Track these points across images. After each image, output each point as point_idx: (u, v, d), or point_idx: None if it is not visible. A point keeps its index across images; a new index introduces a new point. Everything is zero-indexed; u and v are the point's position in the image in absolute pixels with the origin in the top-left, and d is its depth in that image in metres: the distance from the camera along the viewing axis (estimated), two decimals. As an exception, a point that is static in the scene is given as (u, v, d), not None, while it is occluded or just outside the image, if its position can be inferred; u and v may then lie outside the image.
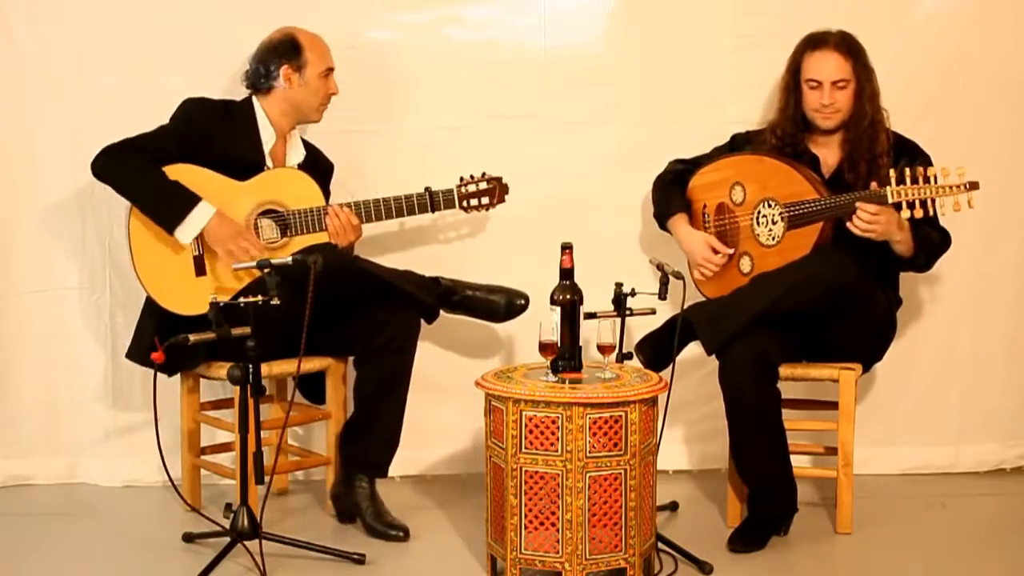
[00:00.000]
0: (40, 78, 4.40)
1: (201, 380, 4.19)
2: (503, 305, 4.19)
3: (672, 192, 4.22)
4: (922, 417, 4.60)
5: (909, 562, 3.78)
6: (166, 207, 3.97)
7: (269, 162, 4.14)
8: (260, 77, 4.13)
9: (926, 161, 3.99)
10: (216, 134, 4.05)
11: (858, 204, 3.83)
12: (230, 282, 3.99)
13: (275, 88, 4.12)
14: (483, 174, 4.26)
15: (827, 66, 3.98)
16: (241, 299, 3.60)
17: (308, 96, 4.13)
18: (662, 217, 4.24)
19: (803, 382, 4.11)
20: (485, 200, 4.26)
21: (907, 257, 3.96)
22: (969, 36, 4.48)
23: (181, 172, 4.00)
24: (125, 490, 4.48)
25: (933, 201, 3.82)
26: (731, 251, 4.10)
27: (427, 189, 4.19)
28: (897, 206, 3.81)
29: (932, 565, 3.76)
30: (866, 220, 3.82)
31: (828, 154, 4.07)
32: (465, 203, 4.24)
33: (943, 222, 3.99)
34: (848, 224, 3.85)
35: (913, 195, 3.81)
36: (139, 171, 3.97)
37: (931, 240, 3.98)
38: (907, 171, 3.81)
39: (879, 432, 4.53)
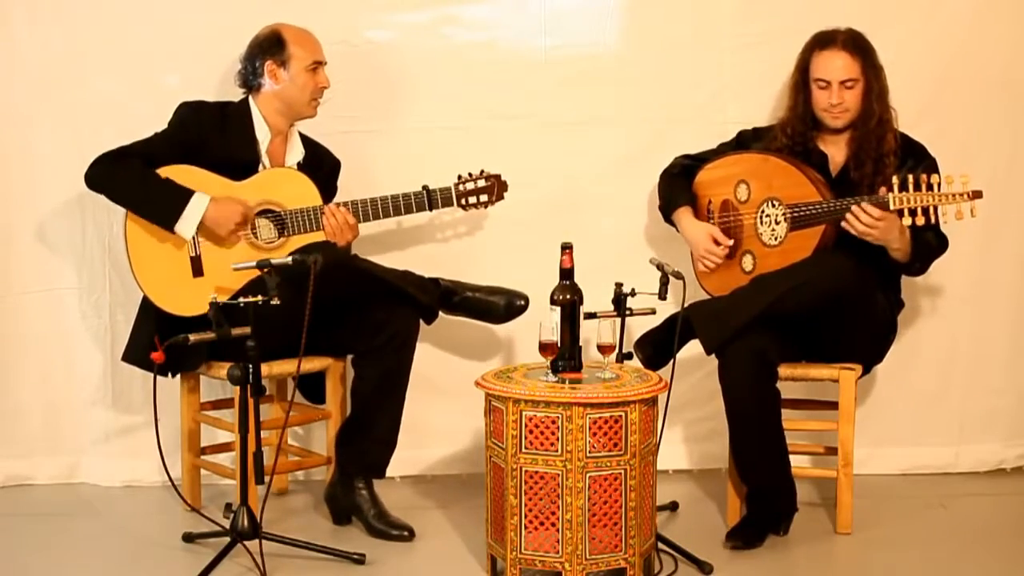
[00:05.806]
0: (40, 78, 4.40)
1: (201, 380, 4.20)
2: (502, 306, 4.18)
3: (678, 185, 4.22)
4: (922, 417, 4.60)
5: (909, 562, 3.78)
6: (161, 206, 3.97)
7: (266, 161, 4.12)
8: (249, 75, 4.12)
9: (932, 164, 3.98)
10: (211, 137, 4.05)
11: (863, 205, 3.82)
12: (228, 282, 3.97)
13: (264, 85, 4.11)
14: (481, 171, 4.24)
15: (835, 66, 3.97)
16: (241, 299, 3.60)
17: (296, 91, 4.10)
18: (667, 209, 4.23)
19: (803, 382, 4.11)
20: (484, 198, 4.24)
21: (903, 263, 3.95)
22: (969, 36, 4.48)
23: (177, 173, 4.00)
24: (125, 490, 4.48)
25: (935, 208, 3.81)
26: (731, 242, 4.10)
27: (425, 187, 4.18)
28: (899, 213, 3.80)
29: (932, 565, 3.76)
30: (865, 223, 3.82)
31: (837, 152, 4.06)
32: (463, 201, 4.23)
33: (943, 228, 3.98)
34: (844, 224, 3.85)
35: (915, 202, 3.79)
36: (131, 177, 3.97)
37: (928, 245, 3.96)
38: (910, 178, 3.80)
39: (879, 432, 4.53)
